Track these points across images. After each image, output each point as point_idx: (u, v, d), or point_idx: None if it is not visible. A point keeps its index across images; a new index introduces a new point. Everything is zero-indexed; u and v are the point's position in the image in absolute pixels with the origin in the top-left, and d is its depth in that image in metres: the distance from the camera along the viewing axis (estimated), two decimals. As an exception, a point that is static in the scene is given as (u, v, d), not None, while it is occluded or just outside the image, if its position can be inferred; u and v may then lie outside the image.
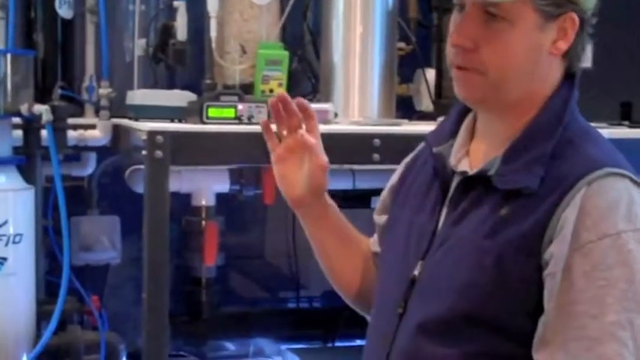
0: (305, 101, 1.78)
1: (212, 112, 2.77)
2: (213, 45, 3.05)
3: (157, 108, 3.00)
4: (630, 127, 3.14)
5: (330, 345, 3.73)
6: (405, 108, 3.40)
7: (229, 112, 2.78)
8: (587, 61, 3.04)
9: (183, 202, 3.33)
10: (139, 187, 3.17)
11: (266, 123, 1.79)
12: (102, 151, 3.43)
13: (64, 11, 3.28)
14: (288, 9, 3.20)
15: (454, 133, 1.67)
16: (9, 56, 2.92)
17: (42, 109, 2.85)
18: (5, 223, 2.84)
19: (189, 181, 3.23)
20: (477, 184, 1.57)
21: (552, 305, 1.44)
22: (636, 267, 1.44)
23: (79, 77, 3.40)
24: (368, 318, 1.79)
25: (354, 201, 3.37)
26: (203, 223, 3.34)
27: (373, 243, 1.88)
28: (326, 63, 3.17)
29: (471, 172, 1.59)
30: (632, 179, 1.50)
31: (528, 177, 1.50)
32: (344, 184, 3.42)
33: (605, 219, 1.44)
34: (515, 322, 1.48)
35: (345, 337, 3.67)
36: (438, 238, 1.59)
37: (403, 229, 1.68)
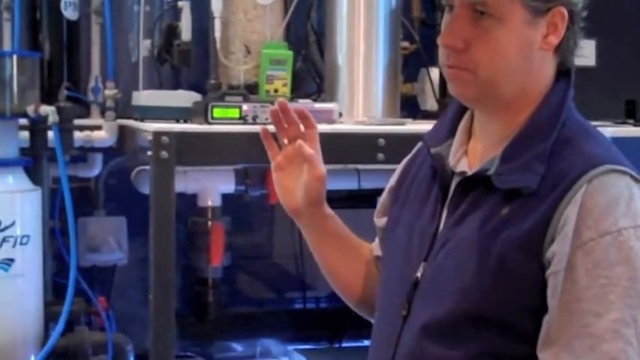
0: (306, 110, 1.78)
1: (217, 112, 2.77)
2: (218, 45, 3.06)
3: (163, 109, 3.01)
4: (635, 125, 3.14)
5: (336, 345, 3.73)
6: (410, 107, 3.40)
7: (234, 113, 2.79)
8: (590, 60, 3.07)
9: (189, 202, 3.34)
10: (145, 188, 3.18)
11: (265, 131, 1.79)
12: (108, 152, 3.44)
13: (70, 13, 3.29)
14: (292, 9, 3.20)
15: (452, 133, 1.66)
16: (15, 58, 2.93)
17: (48, 111, 2.86)
18: (12, 224, 2.85)
19: (195, 182, 3.24)
20: (476, 184, 1.56)
21: (556, 304, 1.44)
22: (638, 264, 1.43)
23: (84, 78, 3.40)
24: (372, 321, 1.79)
25: (359, 200, 3.38)
26: (209, 223, 3.35)
27: (375, 247, 1.88)
28: (330, 63, 3.17)
29: (470, 172, 1.58)
30: (632, 176, 1.50)
31: (528, 176, 1.49)
32: (349, 183, 3.42)
33: (605, 216, 1.44)
34: (519, 321, 1.48)
35: (352, 338, 3.67)
36: (440, 240, 1.58)
37: (404, 231, 1.68)
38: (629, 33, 3.17)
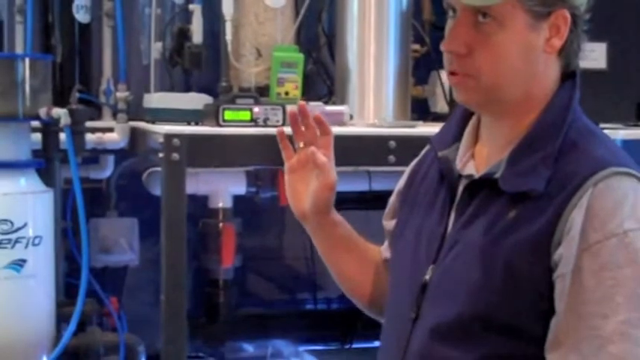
0: (322, 116, 1.79)
1: (228, 114, 2.78)
2: (229, 48, 3.07)
3: (174, 111, 3.01)
4: (646, 127, 3.14)
5: (347, 346, 3.73)
6: (420, 110, 3.41)
7: (245, 115, 2.79)
8: (600, 62, 3.07)
9: (200, 204, 3.35)
10: (157, 190, 3.19)
11: (281, 132, 1.80)
12: (119, 154, 3.45)
13: (82, 16, 3.30)
14: (302, 12, 3.21)
15: (459, 136, 1.67)
16: (27, 60, 2.94)
17: (60, 113, 2.87)
18: (25, 225, 2.86)
19: (206, 184, 3.25)
20: (483, 187, 1.57)
21: (563, 306, 1.45)
22: None
23: (96, 81, 3.42)
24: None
25: (370, 202, 3.38)
26: (220, 225, 3.36)
27: (384, 250, 1.88)
28: (341, 65, 3.18)
29: (477, 175, 1.59)
30: (638, 178, 1.50)
31: (534, 179, 1.50)
32: (360, 185, 3.43)
33: (611, 218, 1.44)
34: (527, 323, 1.49)
35: (363, 339, 3.67)
36: (448, 243, 1.59)
37: (412, 234, 1.68)
38: (640, 35, 3.18)
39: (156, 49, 3.30)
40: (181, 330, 2.71)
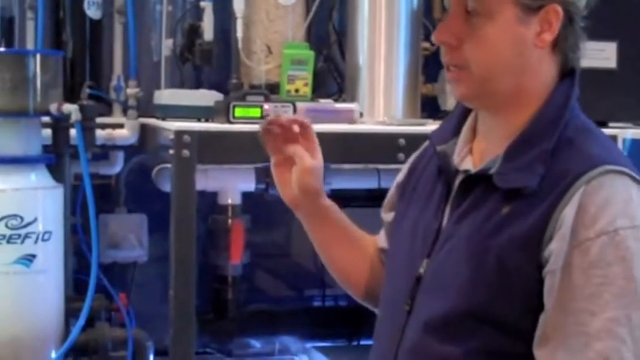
0: (306, 121, 1.81)
1: (238, 111, 2.79)
2: (240, 45, 3.08)
3: (184, 107, 3.02)
4: (656, 127, 3.14)
5: (355, 343, 3.73)
6: (430, 108, 3.40)
7: (255, 112, 2.80)
8: (611, 61, 3.07)
9: (209, 200, 3.36)
10: (166, 186, 3.19)
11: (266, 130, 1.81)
12: (129, 150, 3.46)
13: (93, 12, 3.31)
14: (313, 9, 3.21)
15: (457, 132, 1.69)
16: (38, 56, 2.95)
17: (71, 109, 2.88)
18: (34, 220, 2.87)
19: (215, 180, 3.25)
20: (478, 182, 1.58)
21: (552, 302, 1.46)
22: (633, 264, 1.45)
23: (107, 77, 3.42)
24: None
25: (380, 200, 3.37)
26: (229, 221, 3.36)
27: (379, 239, 1.90)
28: (351, 63, 3.18)
29: (474, 170, 1.60)
30: (631, 177, 1.51)
31: (529, 176, 1.51)
32: (369, 183, 3.43)
33: (602, 216, 1.45)
34: (518, 319, 1.50)
35: (371, 336, 3.64)
36: (442, 237, 1.60)
37: (409, 227, 1.70)
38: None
39: (166, 45, 3.30)
40: (190, 326, 2.72)
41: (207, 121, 2.96)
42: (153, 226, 3.54)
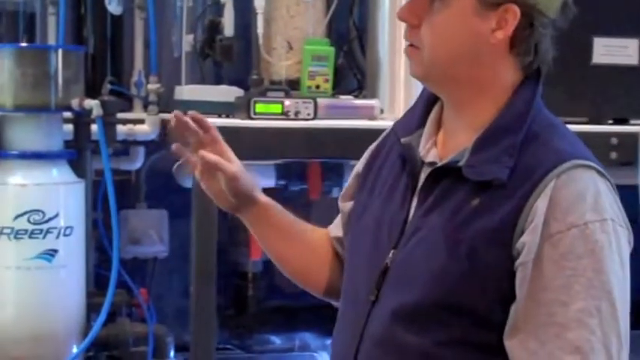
0: (197, 115, 1.80)
1: (259, 107, 2.79)
2: (260, 41, 3.08)
3: (205, 103, 3.03)
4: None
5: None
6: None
7: (276, 108, 2.80)
8: (633, 58, 3.05)
9: (229, 197, 3.36)
10: (187, 182, 3.20)
11: (177, 147, 1.80)
12: (150, 146, 3.46)
13: (114, 8, 3.32)
14: (334, 5, 3.21)
15: (422, 123, 1.68)
16: (60, 52, 2.96)
17: (92, 104, 2.89)
18: (56, 215, 2.88)
19: (235, 176, 3.25)
20: (446, 174, 1.58)
21: (523, 293, 1.47)
22: (602, 256, 1.46)
23: (127, 72, 3.44)
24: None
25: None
26: (250, 217, 3.35)
27: (333, 229, 1.89)
28: (372, 59, 3.18)
29: (440, 162, 1.60)
30: (597, 170, 1.52)
31: (498, 168, 1.51)
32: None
33: (573, 210, 1.47)
34: (488, 310, 1.50)
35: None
36: (410, 228, 1.60)
37: (372, 219, 1.68)
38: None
39: (187, 41, 3.31)
40: (210, 322, 2.73)
41: (227, 116, 2.96)
42: (173, 221, 3.55)
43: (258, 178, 3.33)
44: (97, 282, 3.13)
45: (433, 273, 1.53)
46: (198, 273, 2.68)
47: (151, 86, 3.31)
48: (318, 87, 3.00)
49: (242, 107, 2.82)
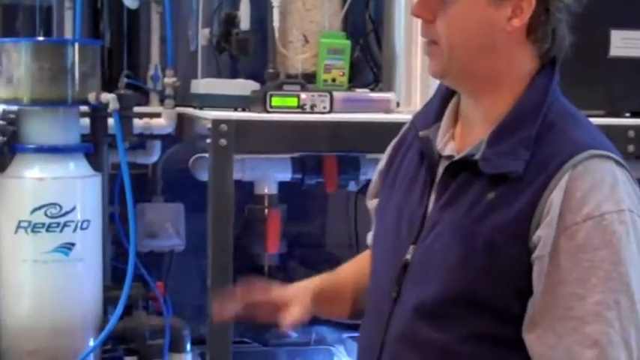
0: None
1: (275, 101, 2.79)
2: (276, 34, 3.08)
3: (221, 97, 3.03)
4: None
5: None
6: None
7: (292, 101, 2.80)
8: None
9: (246, 190, 3.36)
10: (203, 175, 3.21)
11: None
12: (166, 140, 3.47)
13: (130, 1, 3.32)
14: (350, -2, 3.21)
15: (440, 117, 1.68)
16: (77, 46, 2.96)
17: (109, 98, 2.90)
18: (73, 209, 2.89)
19: (252, 170, 3.26)
20: (463, 168, 1.58)
21: (540, 287, 1.46)
22: (620, 247, 1.45)
23: (144, 66, 3.44)
24: None
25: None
26: (266, 211, 3.36)
27: (370, 237, 1.90)
28: (388, 52, 3.17)
29: (457, 156, 1.60)
30: (616, 160, 1.51)
31: (514, 161, 1.51)
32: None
33: (589, 201, 1.45)
34: (507, 304, 1.50)
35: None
36: (428, 223, 1.60)
37: (393, 213, 1.70)
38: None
39: (203, 35, 3.31)
40: (227, 315, 2.72)
41: (244, 110, 2.96)
42: (190, 215, 3.56)
43: (275, 172, 3.34)
44: (113, 275, 3.13)
45: (451, 267, 1.53)
46: (214, 266, 2.68)
47: (167, 80, 3.31)
48: (334, 80, 3.00)
49: (258, 101, 2.82)
